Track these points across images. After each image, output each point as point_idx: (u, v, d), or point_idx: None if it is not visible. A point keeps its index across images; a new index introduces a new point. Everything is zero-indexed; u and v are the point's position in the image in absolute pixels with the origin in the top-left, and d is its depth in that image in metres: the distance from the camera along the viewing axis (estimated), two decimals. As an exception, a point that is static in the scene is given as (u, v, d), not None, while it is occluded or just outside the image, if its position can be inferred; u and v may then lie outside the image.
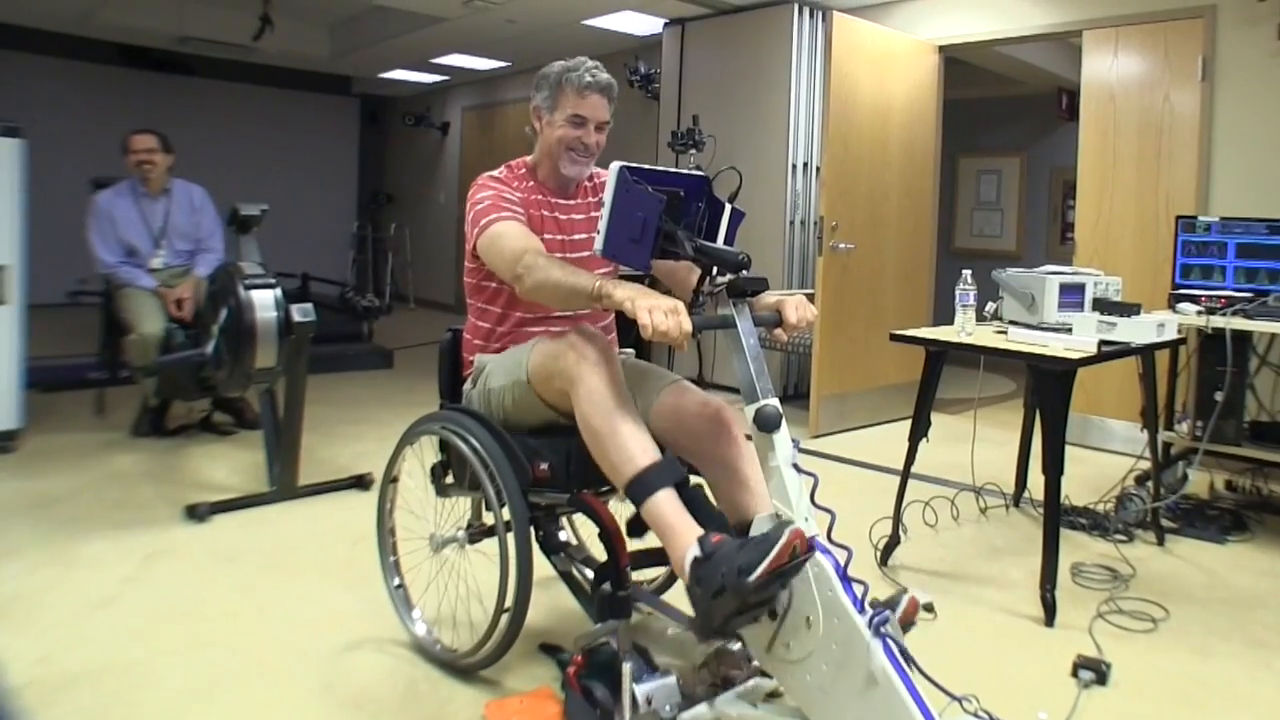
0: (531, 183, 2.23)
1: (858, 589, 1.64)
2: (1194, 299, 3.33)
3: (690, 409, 2.04)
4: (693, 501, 1.81)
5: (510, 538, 1.97)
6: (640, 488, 1.77)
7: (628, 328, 2.34)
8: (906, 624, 1.70)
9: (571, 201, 2.27)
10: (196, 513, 3.24)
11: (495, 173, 2.23)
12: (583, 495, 1.97)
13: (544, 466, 2.00)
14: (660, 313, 1.67)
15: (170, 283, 4.28)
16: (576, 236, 2.24)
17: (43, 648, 2.28)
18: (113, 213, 4.29)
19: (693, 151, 5.78)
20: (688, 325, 1.68)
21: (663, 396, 2.08)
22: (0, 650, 2.25)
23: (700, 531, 1.71)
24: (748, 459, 1.94)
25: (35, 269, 4.25)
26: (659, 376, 2.16)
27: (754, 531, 1.75)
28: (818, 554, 1.63)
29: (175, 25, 7.65)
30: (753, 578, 1.53)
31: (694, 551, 1.67)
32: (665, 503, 1.76)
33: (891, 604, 1.67)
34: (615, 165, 1.81)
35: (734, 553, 1.59)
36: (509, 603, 2.00)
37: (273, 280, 3.48)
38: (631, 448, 1.80)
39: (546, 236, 2.17)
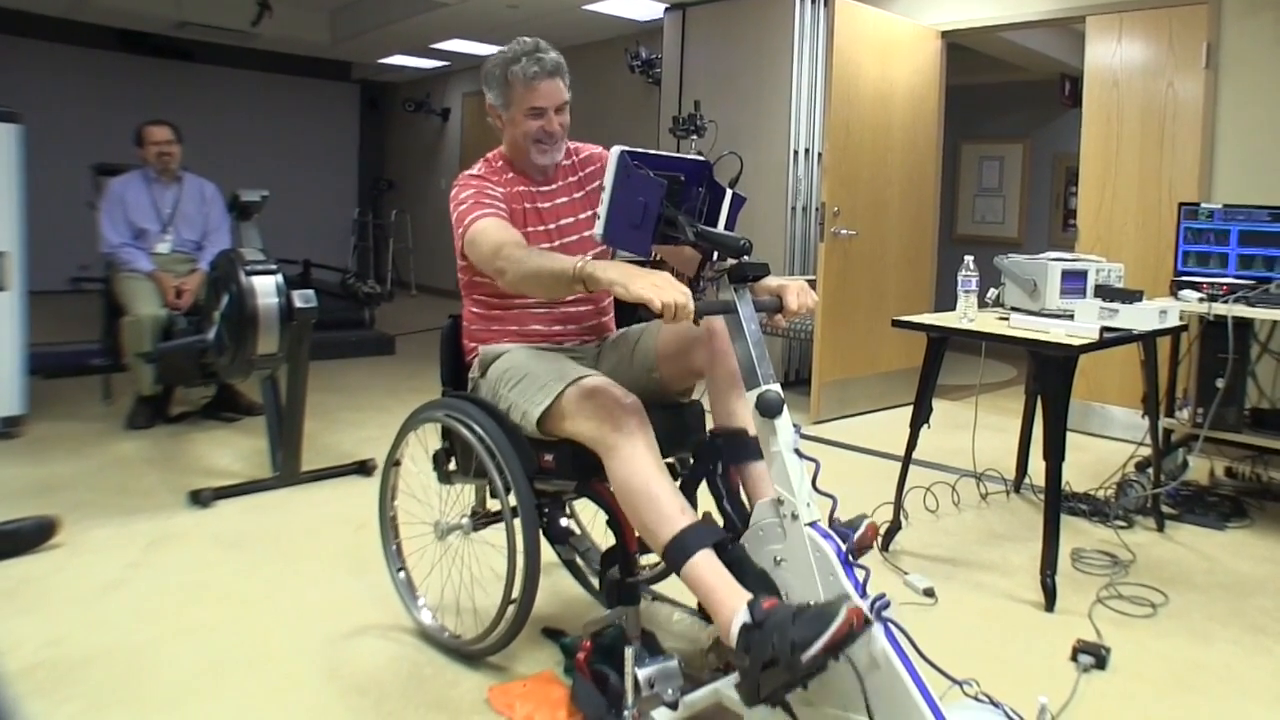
0: (510, 174, 2.20)
1: (859, 574, 1.65)
2: (1196, 286, 3.33)
3: (681, 333, 2.06)
4: (735, 561, 1.73)
5: (517, 524, 1.98)
6: (679, 550, 1.71)
7: (626, 311, 2.35)
8: (862, 549, 1.73)
9: (553, 186, 2.24)
10: (200, 498, 3.25)
11: (474, 170, 2.20)
12: (591, 482, 1.97)
13: (548, 457, 2.00)
14: (668, 290, 1.63)
15: (171, 268, 4.31)
16: (563, 221, 2.22)
17: (51, 630, 2.30)
18: (125, 196, 4.38)
19: (694, 137, 5.76)
20: (688, 296, 1.66)
21: (660, 338, 2.11)
22: (9, 633, 2.27)
23: (747, 595, 1.63)
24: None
25: (36, 255, 4.27)
26: (645, 328, 2.18)
27: (755, 518, 1.76)
28: (819, 538, 1.64)
29: (174, 10, 7.61)
30: (808, 656, 1.44)
31: (743, 618, 1.59)
32: (705, 565, 1.69)
33: (852, 526, 1.72)
34: (616, 149, 1.80)
35: (788, 623, 1.50)
36: (516, 593, 2.00)
37: (274, 266, 3.48)
38: (669, 508, 1.75)
39: (530, 229, 2.15)
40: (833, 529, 1.69)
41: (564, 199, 2.24)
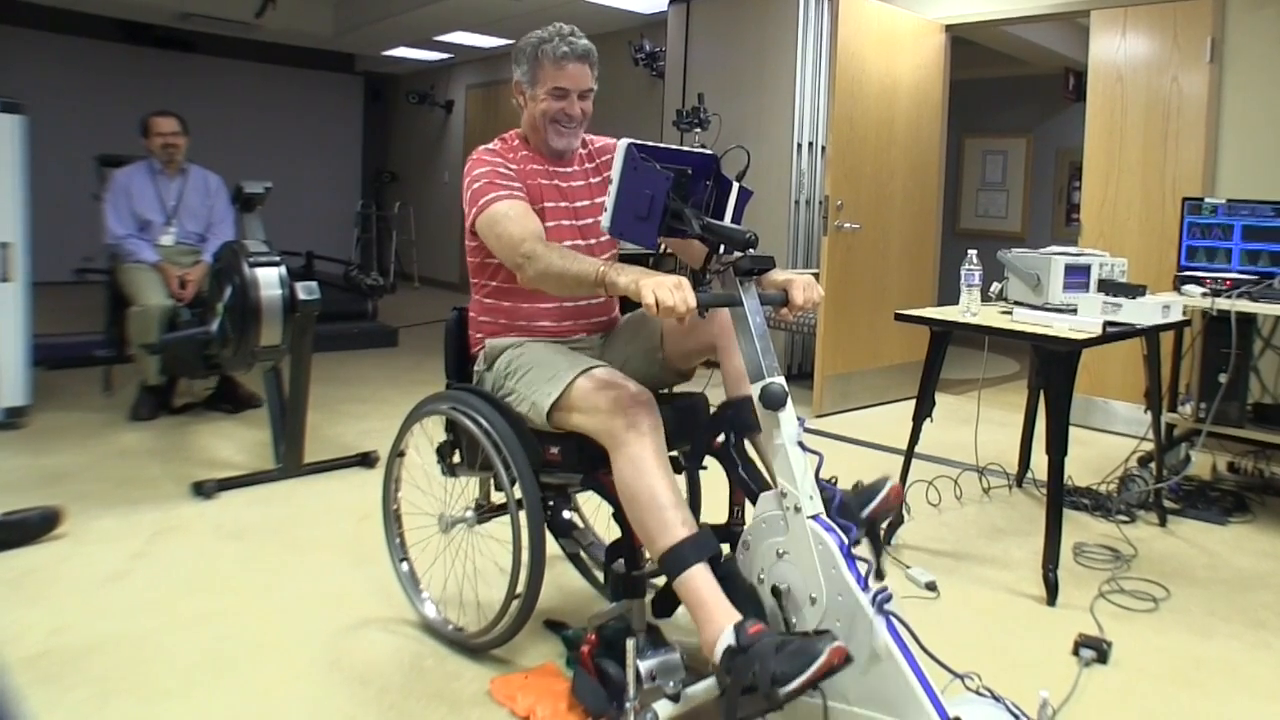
0: (526, 152, 2.20)
1: (861, 567, 1.65)
2: (1199, 281, 3.32)
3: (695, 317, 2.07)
4: (727, 578, 1.75)
5: (522, 517, 1.98)
6: (676, 560, 1.73)
7: (632, 307, 2.35)
8: (887, 509, 1.77)
9: (569, 169, 2.24)
10: (203, 490, 3.26)
11: (490, 146, 2.19)
12: (597, 474, 1.97)
13: (554, 450, 2.00)
14: (665, 290, 1.65)
15: (175, 260, 4.31)
16: (580, 203, 2.21)
17: (56, 620, 2.31)
18: (130, 187, 4.37)
19: (697, 130, 5.76)
20: (692, 300, 1.67)
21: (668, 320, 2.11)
22: (15, 622, 2.28)
23: (736, 616, 1.65)
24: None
25: (40, 247, 4.28)
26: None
27: (758, 510, 1.76)
28: (822, 531, 1.64)
29: (177, 2, 7.61)
30: (786, 690, 1.48)
31: (729, 639, 1.61)
32: (699, 578, 1.71)
33: (874, 490, 1.76)
34: (623, 142, 1.80)
35: (770, 653, 1.52)
36: (520, 587, 2.00)
37: (277, 258, 3.47)
38: (670, 518, 1.75)
39: (549, 204, 2.14)
40: (855, 492, 1.75)
41: (580, 183, 2.24)
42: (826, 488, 1.77)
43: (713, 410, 2.05)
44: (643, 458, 1.78)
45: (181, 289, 4.19)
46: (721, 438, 1.98)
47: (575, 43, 2.10)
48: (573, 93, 2.12)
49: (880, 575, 1.72)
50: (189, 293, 4.18)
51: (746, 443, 1.98)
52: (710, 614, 1.68)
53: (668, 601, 1.87)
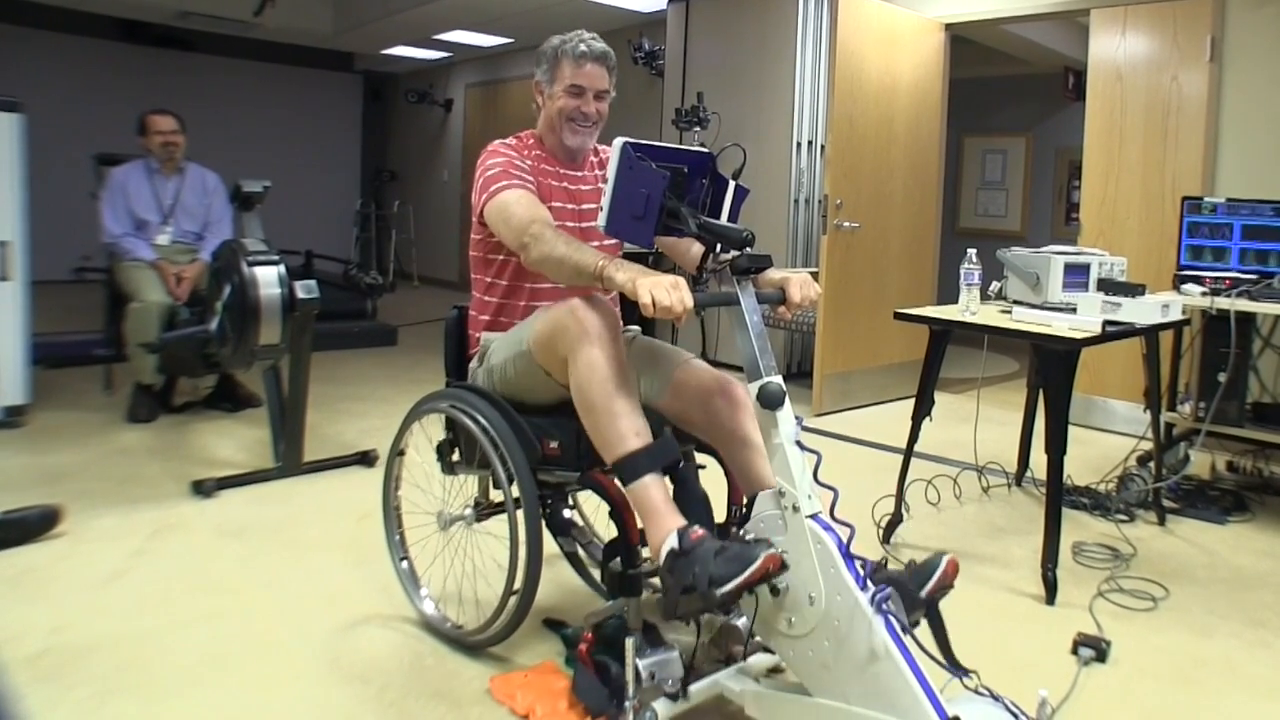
0: (540, 152, 2.24)
1: (860, 566, 1.65)
2: (1199, 280, 3.32)
3: (703, 384, 2.07)
4: (682, 484, 1.83)
5: (520, 515, 1.98)
6: (630, 469, 1.78)
7: (631, 308, 2.35)
8: (944, 588, 1.72)
9: (579, 172, 2.28)
10: (203, 488, 3.26)
11: (506, 140, 2.24)
12: (593, 473, 1.97)
13: (553, 445, 2.01)
14: (662, 289, 1.66)
15: (172, 259, 4.30)
16: (585, 206, 2.24)
17: (56, 618, 2.31)
18: (126, 186, 4.36)
19: (697, 129, 5.76)
20: (689, 300, 1.68)
21: (676, 375, 2.11)
22: (15, 621, 2.28)
23: (682, 522, 1.72)
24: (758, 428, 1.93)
25: (38, 245, 4.27)
26: (672, 355, 2.17)
27: (756, 509, 1.76)
28: (821, 530, 1.64)
29: (176, 0, 7.60)
30: (722, 591, 1.56)
31: (672, 543, 1.69)
32: (651, 487, 1.76)
33: (931, 567, 1.71)
34: (619, 141, 1.80)
35: (709, 557, 1.61)
36: (518, 584, 2.01)
37: (276, 257, 3.47)
38: (624, 427, 1.79)
39: (556, 205, 2.18)
40: (909, 571, 1.71)
41: (589, 187, 2.28)
42: (883, 570, 1.70)
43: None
44: (595, 363, 1.81)
45: (177, 286, 4.18)
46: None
47: (594, 45, 2.18)
48: (589, 91, 2.18)
49: (958, 669, 1.66)
50: (184, 289, 4.17)
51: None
52: (658, 520, 1.74)
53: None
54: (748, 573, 1.56)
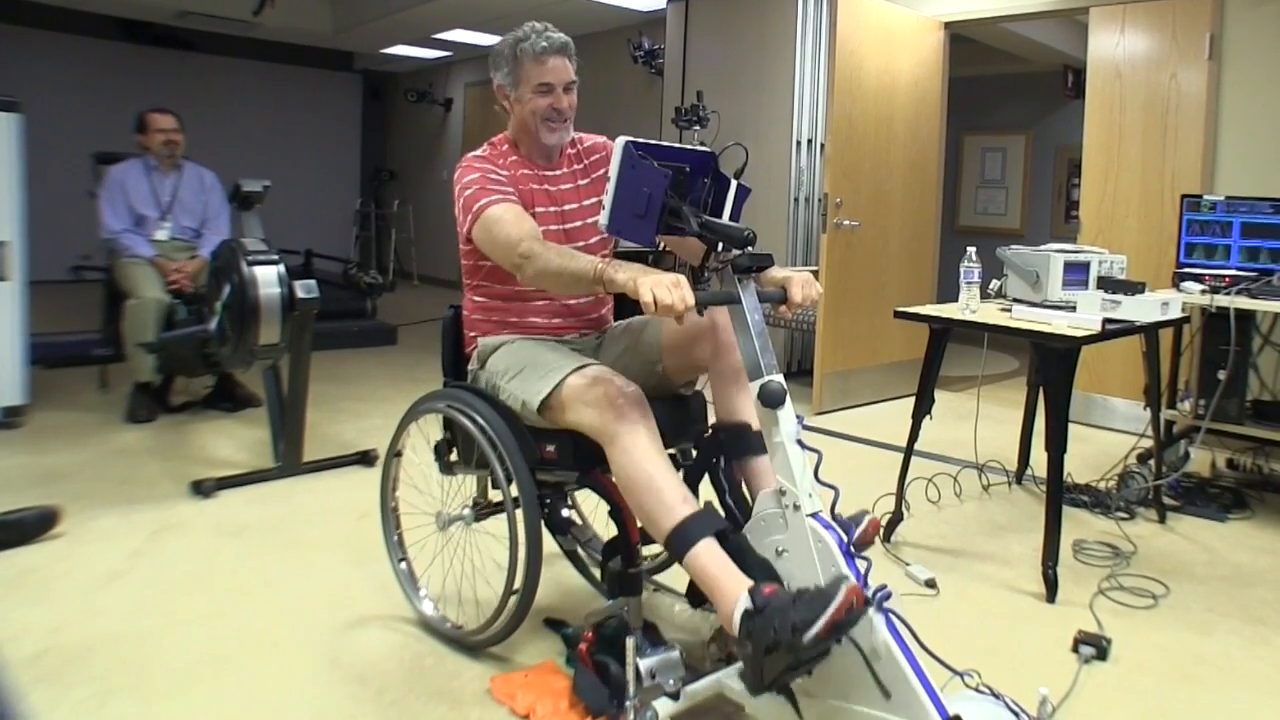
0: (515, 157, 2.20)
1: (861, 565, 1.65)
2: (1198, 278, 3.32)
3: (692, 325, 2.03)
4: (737, 550, 1.73)
5: (519, 515, 1.98)
6: (681, 539, 1.71)
7: (628, 305, 2.35)
8: (864, 545, 1.73)
9: (557, 171, 2.24)
10: (202, 488, 3.26)
11: (479, 152, 2.19)
12: (593, 473, 1.97)
13: (550, 449, 2.00)
14: (663, 288, 1.65)
15: (171, 255, 4.31)
16: (567, 207, 2.21)
17: (55, 619, 2.31)
18: (125, 183, 4.37)
19: (696, 128, 5.76)
20: (690, 298, 1.67)
21: (666, 324, 2.10)
22: (14, 622, 2.28)
23: (749, 582, 1.64)
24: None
25: (37, 245, 4.27)
26: (654, 323, 2.16)
27: (757, 509, 1.76)
28: (821, 529, 1.64)
29: (175, 0, 7.59)
30: (809, 636, 1.46)
31: (745, 604, 1.58)
32: (707, 553, 1.70)
33: (854, 520, 1.72)
34: (621, 140, 1.80)
35: (788, 607, 1.51)
36: (518, 584, 2.00)
37: (276, 256, 3.47)
38: (671, 499, 1.74)
39: (539, 209, 2.15)
40: (834, 522, 1.70)
41: (568, 185, 2.24)
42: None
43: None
44: (636, 445, 1.79)
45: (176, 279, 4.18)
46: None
47: (552, 37, 2.11)
48: (558, 86, 2.12)
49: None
50: (183, 284, 4.16)
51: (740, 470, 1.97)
52: (724, 587, 1.65)
53: (699, 590, 1.82)
54: (831, 609, 1.46)
